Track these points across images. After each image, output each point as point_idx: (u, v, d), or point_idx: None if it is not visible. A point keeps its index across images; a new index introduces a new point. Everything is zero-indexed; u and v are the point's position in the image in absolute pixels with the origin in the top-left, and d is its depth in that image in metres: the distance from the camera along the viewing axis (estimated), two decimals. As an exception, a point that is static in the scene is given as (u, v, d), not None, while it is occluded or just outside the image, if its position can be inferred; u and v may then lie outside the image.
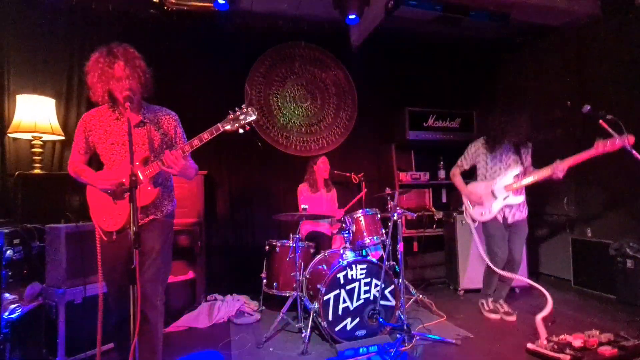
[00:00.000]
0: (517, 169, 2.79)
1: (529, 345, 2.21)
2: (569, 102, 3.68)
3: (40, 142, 2.95)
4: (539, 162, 2.82)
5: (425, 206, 4.29)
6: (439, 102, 4.26)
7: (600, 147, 2.39)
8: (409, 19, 3.45)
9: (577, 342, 2.15)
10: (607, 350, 2.07)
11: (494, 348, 2.32)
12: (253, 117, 1.81)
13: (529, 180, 2.72)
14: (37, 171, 2.90)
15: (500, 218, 2.81)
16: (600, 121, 2.28)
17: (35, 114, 2.85)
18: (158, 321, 1.77)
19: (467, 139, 4.13)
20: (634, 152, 2.24)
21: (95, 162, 1.92)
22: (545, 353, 2.10)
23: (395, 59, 4.34)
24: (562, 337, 2.25)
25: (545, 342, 2.20)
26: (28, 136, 2.91)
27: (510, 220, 2.82)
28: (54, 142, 3.14)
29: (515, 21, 3.53)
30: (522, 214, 2.85)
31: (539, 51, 4.06)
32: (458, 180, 3.02)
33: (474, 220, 2.89)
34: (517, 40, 4.18)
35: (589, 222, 3.46)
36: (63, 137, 3.06)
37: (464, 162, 3.04)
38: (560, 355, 2.03)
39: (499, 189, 2.80)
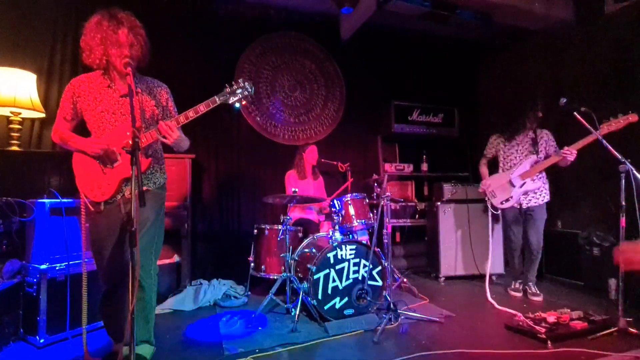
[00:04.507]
0: (532, 158, 2.97)
1: (507, 322, 2.35)
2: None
3: (19, 119, 2.82)
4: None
5: (408, 198, 4.42)
6: (423, 98, 4.42)
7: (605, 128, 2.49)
8: (398, 15, 3.56)
9: (551, 318, 2.31)
10: (578, 324, 2.24)
11: (475, 325, 2.44)
12: (250, 91, 1.82)
13: (541, 166, 2.88)
14: (14, 148, 2.77)
15: (517, 205, 3.02)
16: (575, 113, 2.44)
17: (15, 88, 2.73)
18: (152, 290, 1.75)
19: (449, 135, 4.37)
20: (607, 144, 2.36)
21: (80, 132, 1.85)
22: (523, 328, 2.24)
23: (383, 54, 4.46)
24: (537, 314, 2.40)
25: (522, 318, 2.34)
26: (6, 111, 2.78)
27: (525, 205, 3.01)
28: (33, 119, 3.01)
29: (497, 23, 3.73)
30: (539, 200, 3.01)
31: (516, 54, 4.28)
32: (482, 171, 3.28)
33: (495, 209, 3.08)
34: (496, 42, 4.40)
35: (560, 214, 3.68)
36: (44, 115, 2.93)
37: (487, 151, 3.29)
38: (537, 328, 2.17)
39: (515, 177, 2.98)
